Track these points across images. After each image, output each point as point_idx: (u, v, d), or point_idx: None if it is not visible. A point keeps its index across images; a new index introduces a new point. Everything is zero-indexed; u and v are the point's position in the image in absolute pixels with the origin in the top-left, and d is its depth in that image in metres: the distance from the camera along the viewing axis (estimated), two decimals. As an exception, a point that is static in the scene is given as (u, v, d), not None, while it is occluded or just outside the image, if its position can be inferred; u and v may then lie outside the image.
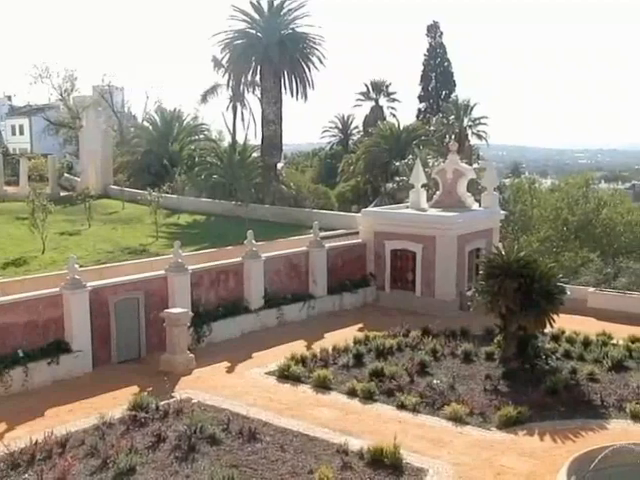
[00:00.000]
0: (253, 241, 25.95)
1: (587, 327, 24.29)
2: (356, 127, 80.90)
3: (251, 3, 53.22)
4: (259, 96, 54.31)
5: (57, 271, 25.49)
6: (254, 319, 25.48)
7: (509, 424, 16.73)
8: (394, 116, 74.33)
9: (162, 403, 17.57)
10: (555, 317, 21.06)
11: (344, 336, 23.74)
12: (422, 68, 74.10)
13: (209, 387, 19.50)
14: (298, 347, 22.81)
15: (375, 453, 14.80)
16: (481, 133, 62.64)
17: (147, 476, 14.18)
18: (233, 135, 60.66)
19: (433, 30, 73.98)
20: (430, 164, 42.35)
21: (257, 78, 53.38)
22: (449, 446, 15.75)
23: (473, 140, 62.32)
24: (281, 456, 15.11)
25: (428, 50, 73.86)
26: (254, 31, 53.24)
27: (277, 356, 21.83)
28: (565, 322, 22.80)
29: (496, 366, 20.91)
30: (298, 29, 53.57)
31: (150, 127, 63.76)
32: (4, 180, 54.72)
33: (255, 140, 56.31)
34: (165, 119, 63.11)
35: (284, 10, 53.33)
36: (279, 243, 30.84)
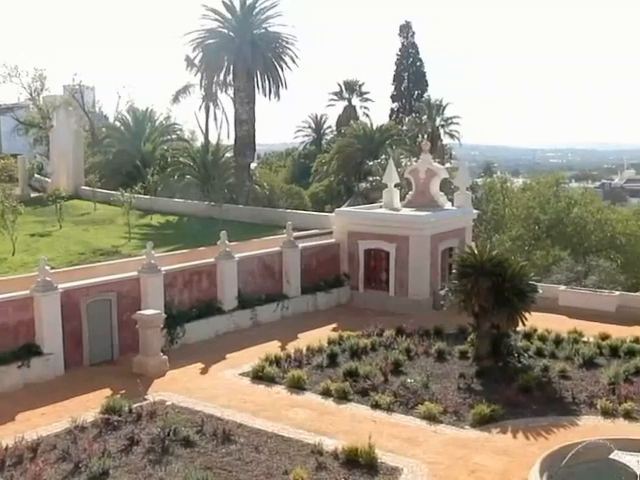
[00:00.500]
0: (226, 241, 25.86)
1: (559, 325, 24.54)
2: (329, 127, 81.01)
3: (223, 2, 52.97)
4: (232, 96, 54.10)
5: (27, 273, 25.14)
6: (228, 320, 25.38)
7: (483, 422, 16.86)
8: (367, 116, 74.56)
9: (135, 406, 17.42)
10: (527, 315, 21.26)
11: (318, 336, 23.75)
12: (395, 68, 74.41)
13: (183, 389, 19.38)
14: (272, 348, 22.77)
15: (350, 453, 14.82)
16: (453, 133, 63.20)
17: (120, 480, 14.08)
18: (206, 135, 60.35)
19: (405, 30, 74.31)
20: (403, 164, 42.52)
21: (230, 78, 53.13)
22: (423, 445, 15.82)
23: (445, 140, 62.86)
24: (256, 457, 15.08)
25: (400, 50, 74.16)
26: (226, 30, 52.97)
27: (251, 357, 21.77)
28: (537, 320, 23.01)
29: (469, 364, 21.05)
30: (271, 29, 53.43)
31: (122, 127, 63.18)
32: (-28, 181, 53.92)
33: (228, 140, 56.09)
34: (137, 119, 62.59)
35: (256, 10, 53.13)
36: (253, 243, 30.73)
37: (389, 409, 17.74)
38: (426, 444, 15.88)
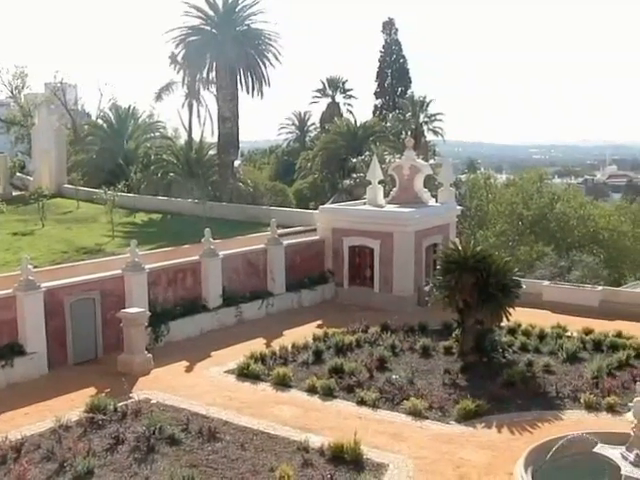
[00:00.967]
0: (211, 239, 25.79)
1: (542, 320, 24.67)
2: (313, 124, 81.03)
3: (206, 0, 52.78)
4: (215, 93, 53.93)
5: (10, 272, 24.97)
6: (212, 318, 25.33)
7: (468, 417, 16.92)
8: (351, 113, 74.68)
9: (120, 404, 17.36)
10: (511, 311, 21.36)
11: (303, 333, 23.74)
12: (378, 65, 74.42)
13: (168, 387, 19.32)
14: (257, 345, 22.74)
15: (336, 449, 14.84)
16: (437, 129, 63.32)
17: (106, 479, 14.01)
18: (189, 133, 60.23)
19: (388, 27, 74.33)
20: (387, 160, 42.51)
21: (212, 75, 52.95)
22: (409, 440, 15.86)
23: (429, 136, 62.96)
24: (241, 455, 15.06)
25: (384, 47, 74.19)
26: (209, 28, 52.77)
27: (236, 354, 21.73)
28: (521, 315, 23.11)
29: (454, 360, 21.12)
30: (253, 25, 53.24)
31: (104, 125, 62.88)
32: (-47, 180, 53.46)
33: (211, 138, 55.95)
34: (120, 117, 62.31)
35: (239, 7, 52.94)
36: (237, 241, 30.67)
37: (374, 405, 17.77)
38: (411, 440, 15.92)
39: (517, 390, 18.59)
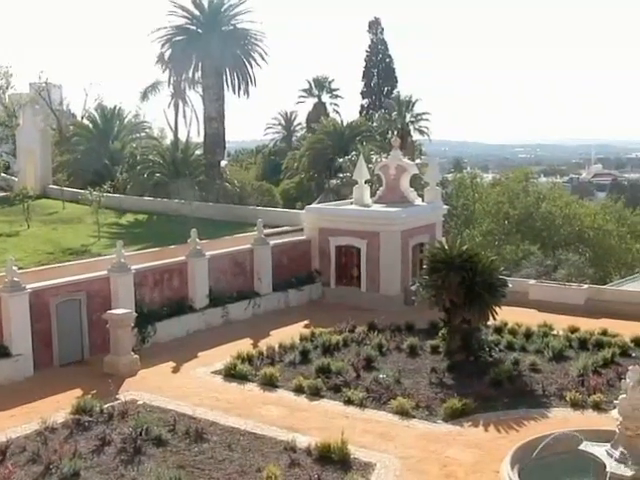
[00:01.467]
0: (197, 239, 25.72)
1: (529, 319, 24.76)
2: (299, 124, 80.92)
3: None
4: (201, 93, 53.82)
5: (-5, 274, 24.79)
6: (199, 318, 25.27)
7: (454, 416, 16.98)
8: (337, 112, 74.64)
9: (106, 406, 17.31)
10: (498, 310, 21.44)
11: (290, 333, 23.73)
12: (364, 64, 74.42)
13: (154, 388, 19.26)
14: (244, 345, 22.71)
15: (323, 449, 14.85)
16: (423, 129, 63.41)
17: (92, 481, 13.95)
18: (175, 133, 60.06)
19: (374, 26, 74.32)
20: (373, 160, 42.53)
21: (198, 75, 52.82)
22: (396, 440, 15.90)
23: (415, 136, 62.99)
24: (228, 455, 15.04)
25: (370, 46, 74.16)
26: (194, 27, 52.66)
27: (223, 355, 21.69)
28: (507, 314, 23.20)
29: (441, 359, 21.17)
30: (239, 25, 53.13)
31: (90, 125, 62.59)
32: (-63, 181, 53.07)
33: (198, 138, 55.86)
34: (105, 117, 62.03)
35: (225, 6, 52.82)
36: (223, 241, 30.59)
37: (362, 405, 17.79)
38: (398, 439, 15.95)
39: (504, 389, 18.66)
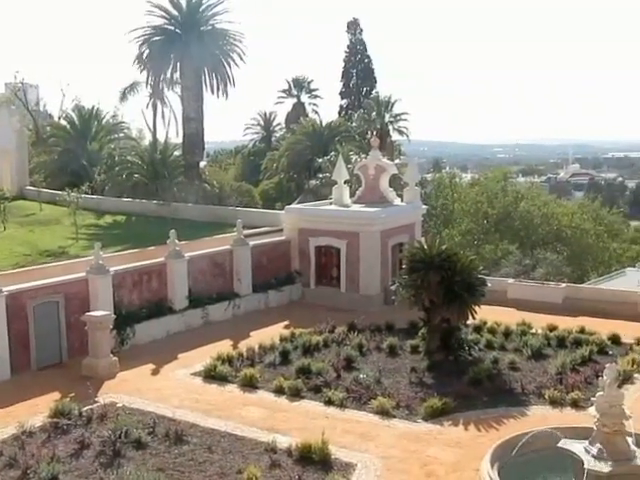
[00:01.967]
0: (176, 241, 25.61)
1: (508, 317, 24.91)
2: (279, 124, 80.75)
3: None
4: (179, 93, 53.60)
5: (-29, 276, 24.51)
6: (179, 320, 25.16)
7: (435, 415, 17.03)
8: (316, 113, 74.66)
9: (85, 409, 17.18)
10: (477, 309, 21.54)
11: (270, 334, 23.70)
12: (343, 65, 74.48)
13: (134, 390, 19.15)
14: (224, 347, 22.64)
15: (303, 450, 14.83)
16: (402, 129, 63.49)
17: (70, 484, 13.84)
18: (154, 133, 59.66)
19: (353, 27, 74.41)
20: (352, 160, 42.60)
21: (177, 75, 52.62)
22: (376, 440, 15.91)
23: (394, 136, 63.11)
24: (209, 457, 14.98)
25: (348, 47, 74.23)
26: (173, 27, 52.45)
27: (203, 356, 21.61)
28: (487, 313, 23.31)
29: (421, 359, 21.23)
30: (218, 25, 53.00)
31: (67, 126, 62.06)
32: None
33: (177, 138, 55.53)
34: (83, 117, 61.51)
35: (203, 6, 52.68)
36: (203, 242, 30.47)
37: (342, 405, 17.79)
38: (379, 439, 15.97)
39: (483, 387, 18.75)
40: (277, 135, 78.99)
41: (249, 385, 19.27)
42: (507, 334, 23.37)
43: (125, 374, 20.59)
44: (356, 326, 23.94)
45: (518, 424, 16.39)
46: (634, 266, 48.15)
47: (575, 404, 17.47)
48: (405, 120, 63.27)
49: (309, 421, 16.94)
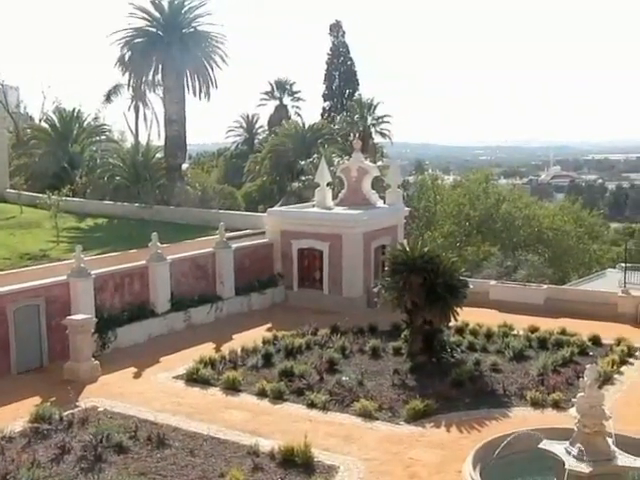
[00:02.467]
0: (158, 243, 25.52)
1: (490, 319, 25.03)
2: (261, 126, 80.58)
3: (151, 1, 52.15)
4: (161, 96, 53.39)
5: (-50, 280, 24.27)
6: (161, 323, 25.07)
7: (417, 417, 17.08)
8: (299, 115, 74.58)
9: (66, 413, 17.06)
10: (459, 310, 21.64)
11: (253, 337, 23.67)
12: (326, 67, 74.54)
13: (116, 394, 19.05)
14: (206, 350, 22.58)
15: (286, 453, 14.82)
16: (385, 131, 63.58)
17: (51, 490, 13.74)
18: (136, 136, 59.49)
19: (336, 29, 74.46)
20: (335, 162, 42.65)
21: (159, 77, 52.40)
22: (359, 442, 15.93)
23: (377, 138, 63.21)
24: (191, 461, 14.93)
25: (331, 49, 74.24)
26: (155, 29, 52.23)
27: (185, 359, 21.55)
28: (469, 315, 23.41)
29: (404, 361, 21.28)
30: (200, 27, 52.82)
31: (48, 128, 61.64)
32: None
33: (159, 141, 55.29)
34: (64, 119, 61.09)
35: (185, 8, 52.46)
36: (185, 245, 30.38)
37: (325, 408, 17.80)
38: (362, 441, 15.99)
39: (465, 389, 18.84)
40: (260, 137, 78.84)
41: (231, 388, 19.23)
42: (489, 336, 23.49)
43: (107, 378, 20.48)
44: (339, 328, 23.97)
45: (500, 425, 16.47)
46: (614, 267, 48.52)
47: (556, 405, 17.58)
48: (387, 122, 63.47)
49: (292, 424, 16.92)
